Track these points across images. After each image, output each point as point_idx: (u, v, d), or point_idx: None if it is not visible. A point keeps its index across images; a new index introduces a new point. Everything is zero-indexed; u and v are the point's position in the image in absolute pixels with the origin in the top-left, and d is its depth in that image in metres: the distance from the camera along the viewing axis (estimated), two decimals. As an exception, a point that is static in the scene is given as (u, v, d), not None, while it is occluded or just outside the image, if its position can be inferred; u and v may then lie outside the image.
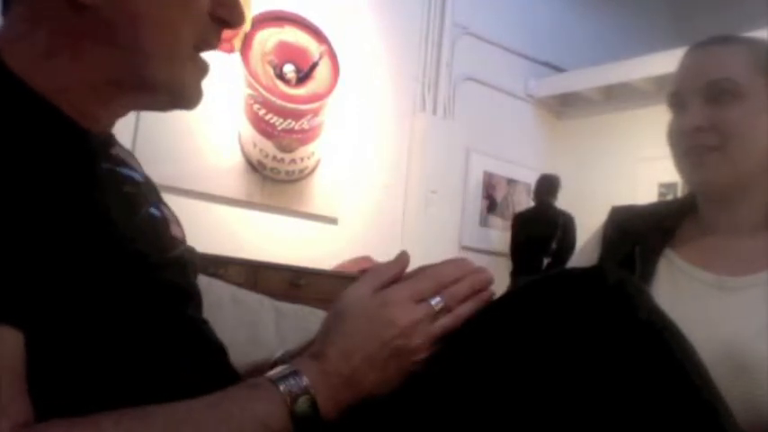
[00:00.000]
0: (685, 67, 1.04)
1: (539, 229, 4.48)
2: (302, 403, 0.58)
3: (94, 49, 0.63)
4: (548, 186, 4.64)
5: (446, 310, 0.64)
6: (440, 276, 0.65)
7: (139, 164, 0.78)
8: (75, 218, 0.57)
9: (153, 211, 0.72)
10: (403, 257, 0.68)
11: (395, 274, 0.67)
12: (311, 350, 0.64)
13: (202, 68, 0.70)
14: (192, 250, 0.77)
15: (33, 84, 0.61)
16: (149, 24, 0.63)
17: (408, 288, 0.64)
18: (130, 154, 0.77)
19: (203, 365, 0.67)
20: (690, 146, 1.01)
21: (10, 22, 0.64)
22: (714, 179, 1.00)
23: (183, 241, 0.76)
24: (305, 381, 0.59)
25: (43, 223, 0.54)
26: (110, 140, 0.72)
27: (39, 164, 0.56)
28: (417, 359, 0.63)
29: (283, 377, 0.60)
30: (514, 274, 4.57)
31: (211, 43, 0.70)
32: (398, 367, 0.62)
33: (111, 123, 0.70)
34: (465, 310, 0.65)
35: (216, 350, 0.72)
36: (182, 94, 0.68)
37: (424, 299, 0.64)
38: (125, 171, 0.71)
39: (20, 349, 0.51)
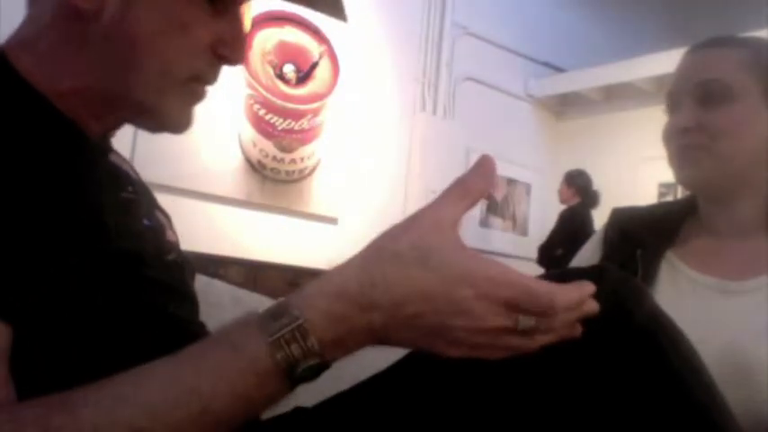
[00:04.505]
0: (680, 68, 1.05)
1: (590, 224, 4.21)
2: (304, 370, 0.51)
3: (92, 60, 0.63)
4: (588, 180, 4.52)
5: (530, 332, 0.53)
6: (551, 302, 0.51)
7: (135, 171, 0.78)
8: (68, 215, 0.57)
9: (146, 221, 0.72)
10: (487, 162, 0.55)
11: (482, 191, 0.55)
12: (338, 277, 0.55)
13: (196, 96, 0.68)
14: (185, 255, 0.77)
15: (38, 86, 0.62)
16: (145, 49, 0.63)
17: (510, 292, 0.51)
18: (126, 161, 0.77)
19: None
20: (679, 145, 1.02)
21: (22, 24, 0.66)
22: (702, 177, 1.02)
23: (176, 245, 0.76)
24: (312, 341, 0.52)
25: (35, 219, 0.54)
26: (107, 147, 0.73)
27: (34, 161, 0.57)
28: (449, 352, 0.53)
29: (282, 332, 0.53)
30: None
31: (207, 78, 0.68)
32: (431, 346, 0.53)
33: (109, 133, 0.71)
34: (545, 340, 0.54)
35: None
36: (167, 120, 0.68)
37: (515, 311, 0.52)
38: (120, 179, 0.72)
39: (6, 342, 0.51)
